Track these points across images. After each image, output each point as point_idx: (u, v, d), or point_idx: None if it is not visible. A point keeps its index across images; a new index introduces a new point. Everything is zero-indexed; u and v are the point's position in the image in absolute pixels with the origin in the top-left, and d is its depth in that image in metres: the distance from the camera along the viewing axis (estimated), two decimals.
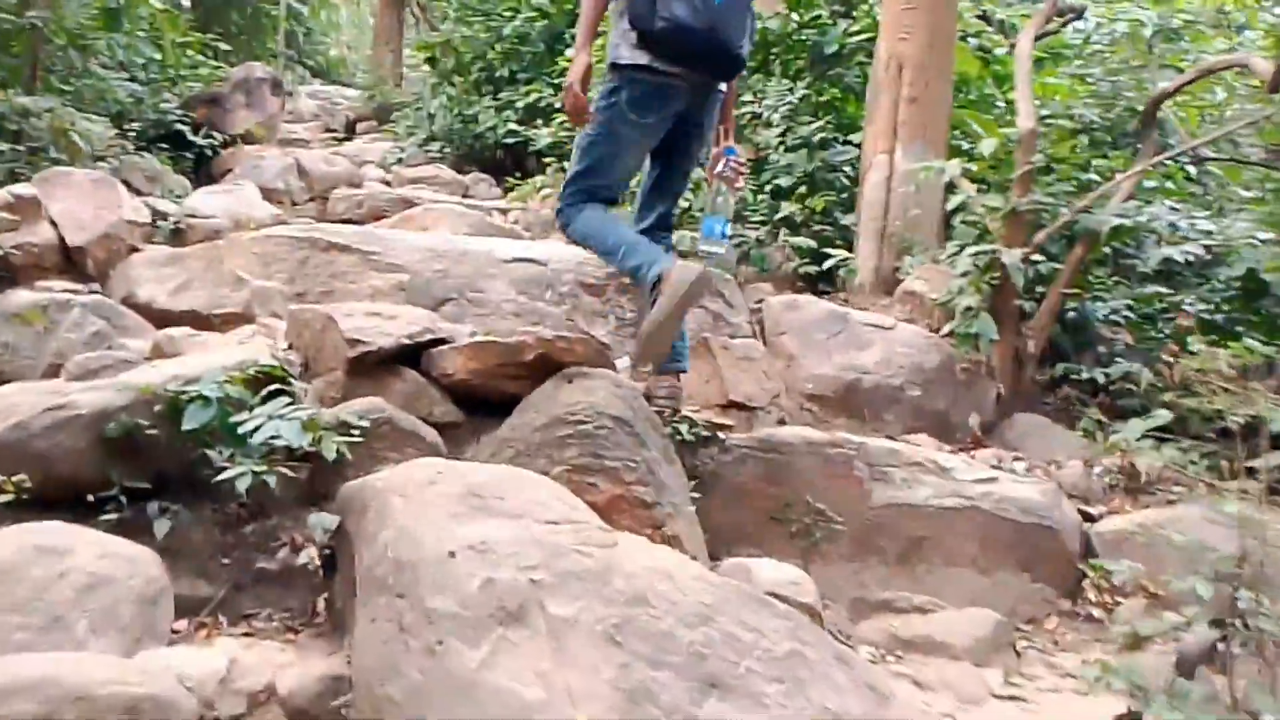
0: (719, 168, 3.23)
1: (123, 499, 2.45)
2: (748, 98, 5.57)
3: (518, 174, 7.90)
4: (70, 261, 4.55)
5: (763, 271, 5.11)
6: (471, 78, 9.10)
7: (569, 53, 6.19)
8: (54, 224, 4.58)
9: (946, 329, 4.07)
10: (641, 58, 3.01)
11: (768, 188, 5.23)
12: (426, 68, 15.42)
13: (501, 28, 8.74)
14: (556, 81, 6.98)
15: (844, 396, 3.96)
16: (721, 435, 3.31)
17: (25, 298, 3.71)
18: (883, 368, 4.02)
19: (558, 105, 6.94)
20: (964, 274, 4.06)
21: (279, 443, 2.39)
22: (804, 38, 5.86)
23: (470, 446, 3.08)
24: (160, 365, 2.87)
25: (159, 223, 4.96)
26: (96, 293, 4.41)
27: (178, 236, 5.03)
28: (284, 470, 2.40)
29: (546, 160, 7.63)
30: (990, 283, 4.06)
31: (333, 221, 5.85)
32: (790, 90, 5.23)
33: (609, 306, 4.09)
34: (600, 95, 3.15)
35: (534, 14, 8.58)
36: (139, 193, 5.99)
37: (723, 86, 3.20)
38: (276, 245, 4.24)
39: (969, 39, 5.98)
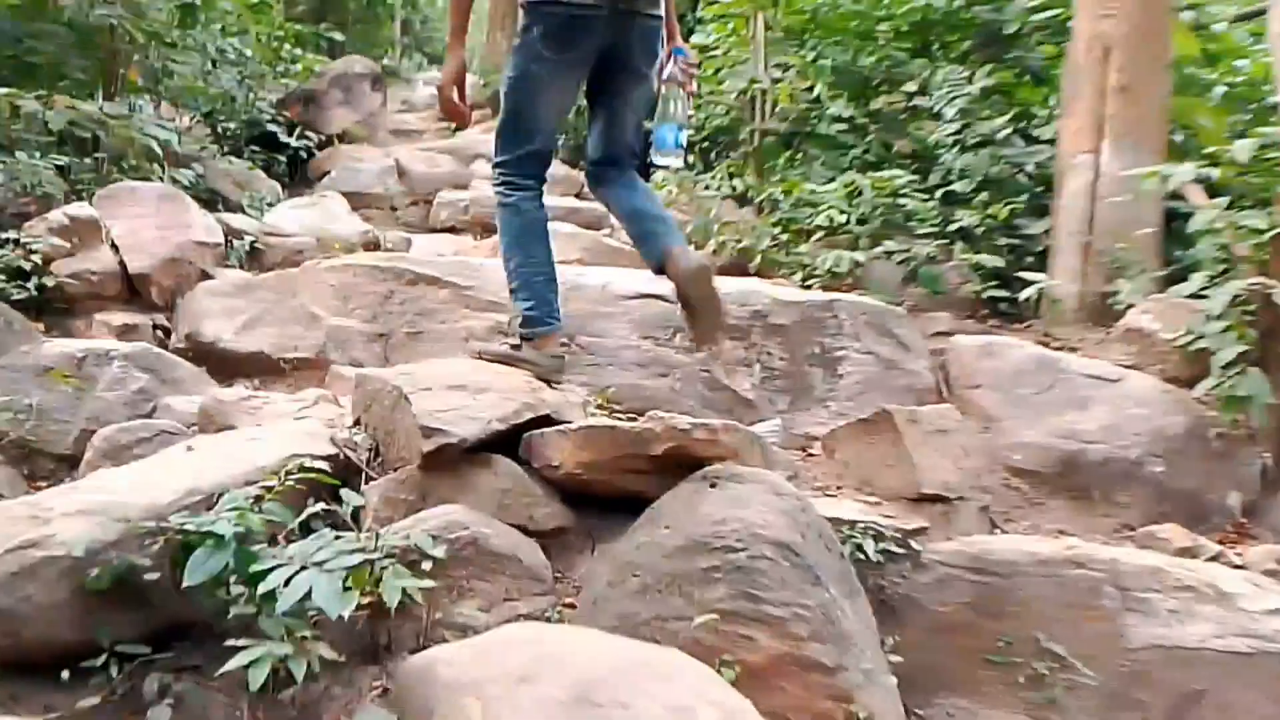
0: (667, 70, 2.89)
1: (113, 668, 1.79)
2: (910, 86, 4.67)
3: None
4: (133, 290, 4.01)
5: (935, 294, 4.23)
6: None
7: (694, 38, 5.40)
8: (115, 247, 4.05)
9: (1202, 388, 3.13)
10: None
11: (938, 193, 4.33)
12: None
13: None
14: None
15: (1062, 473, 3.08)
16: (915, 545, 2.48)
17: (58, 349, 3.13)
18: (1111, 435, 3.11)
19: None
20: (1219, 315, 3.11)
21: (314, 606, 1.68)
22: (972, 15, 4.90)
23: (582, 561, 2.36)
24: (178, 466, 2.21)
25: (234, 242, 4.39)
26: (160, 326, 3.88)
27: (254, 258, 4.46)
28: (319, 651, 1.69)
29: None
30: (1253, 325, 3.10)
31: (435, 230, 5.22)
32: (968, 79, 4.31)
33: (754, 353, 3.31)
34: (516, 36, 2.81)
35: None
36: (225, 200, 5.50)
37: (658, 10, 2.78)
38: (356, 276, 3.60)
39: (1183, 13, 4.92)
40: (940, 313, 4.11)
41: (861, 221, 4.17)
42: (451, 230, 5.67)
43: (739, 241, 4.42)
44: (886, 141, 4.69)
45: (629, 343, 3.28)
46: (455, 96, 2.82)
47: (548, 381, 2.72)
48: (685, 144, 2.97)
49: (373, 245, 4.57)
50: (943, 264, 4.30)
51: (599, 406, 2.89)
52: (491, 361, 2.76)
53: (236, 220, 4.50)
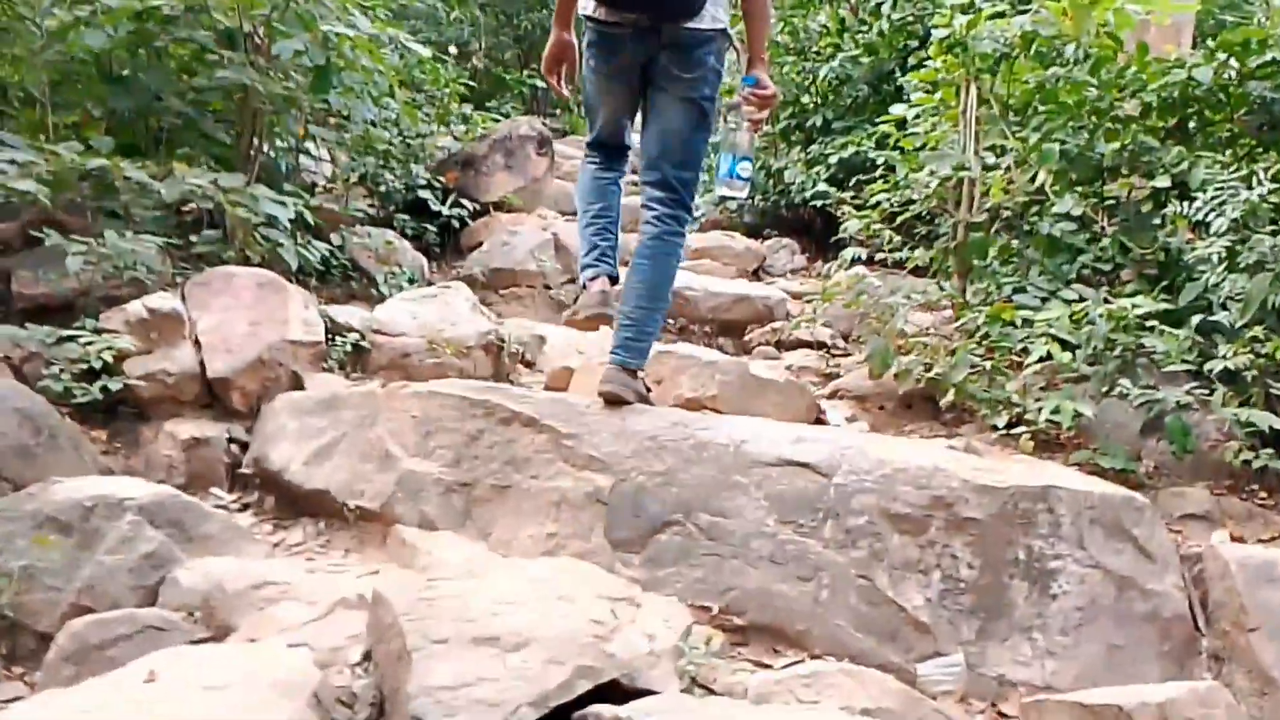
0: (733, 98, 3.08)
1: None
2: (1160, 181, 3.67)
3: (831, 240, 6.36)
4: (214, 394, 3.57)
5: (1184, 453, 3.23)
6: (779, 126, 7.69)
7: (895, 108, 4.61)
8: (199, 344, 3.61)
9: None
10: (589, 7, 2.88)
11: (1193, 319, 3.33)
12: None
13: (818, 68, 7.23)
14: (878, 132, 5.43)
15: None
16: None
17: (65, 494, 2.59)
18: None
19: (879, 161, 5.34)
20: None
21: None
22: (1244, 91, 3.85)
23: None
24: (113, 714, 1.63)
25: (336, 339, 3.91)
26: (237, 441, 3.42)
27: (359, 359, 3.97)
28: None
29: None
30: None
31: (577, 324, 4.58)
32: (1247, 179, 3.29)
33: (932, 554, 2.47)
34: None
35: (858, 51, 7.00)
36: (362, 276, 5.12)
37: (700, 24, 2.81)
38: (443, 407, 3.02)
39: None
40: (1190, 487, 3.12)
41: (1092, 359, 3.23)
42: (603, 320, 5.04)
43: (928, 368, 3.57)
44: (1126, 245, 3.72)
45: (763, 528, 2.52)
46: (554, 75, 3.03)
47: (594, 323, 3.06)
48: (749, 176, 3.02)
49: (495, 348, 4.02)
50: (1196, 414, 3.29)
51: (706, 643, 2.15)
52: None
53: (343, 313, 4.03)
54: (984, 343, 3.62)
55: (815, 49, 7.46)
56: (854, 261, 6.60)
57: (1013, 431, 3.28)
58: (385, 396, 3.15)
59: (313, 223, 4.66)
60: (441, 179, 5.98)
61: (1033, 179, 3.78)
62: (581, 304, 3.05)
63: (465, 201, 5.92)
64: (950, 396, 3.45)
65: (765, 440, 2.67)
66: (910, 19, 6.58)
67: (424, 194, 5.85)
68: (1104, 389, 3.23)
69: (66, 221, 3.93)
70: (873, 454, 2.59)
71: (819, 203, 6.83)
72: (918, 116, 4.21)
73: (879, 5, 6.63)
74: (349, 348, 3.87)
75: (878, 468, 2.53)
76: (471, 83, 8.56)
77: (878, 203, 4.54)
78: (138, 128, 4.57)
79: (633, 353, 2.95)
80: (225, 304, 3.69)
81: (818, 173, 6.91)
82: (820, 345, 5.06)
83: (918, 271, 4.77)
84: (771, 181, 7.65)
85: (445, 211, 5.81)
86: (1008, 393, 3.34)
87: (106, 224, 3.86)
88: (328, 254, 4.85)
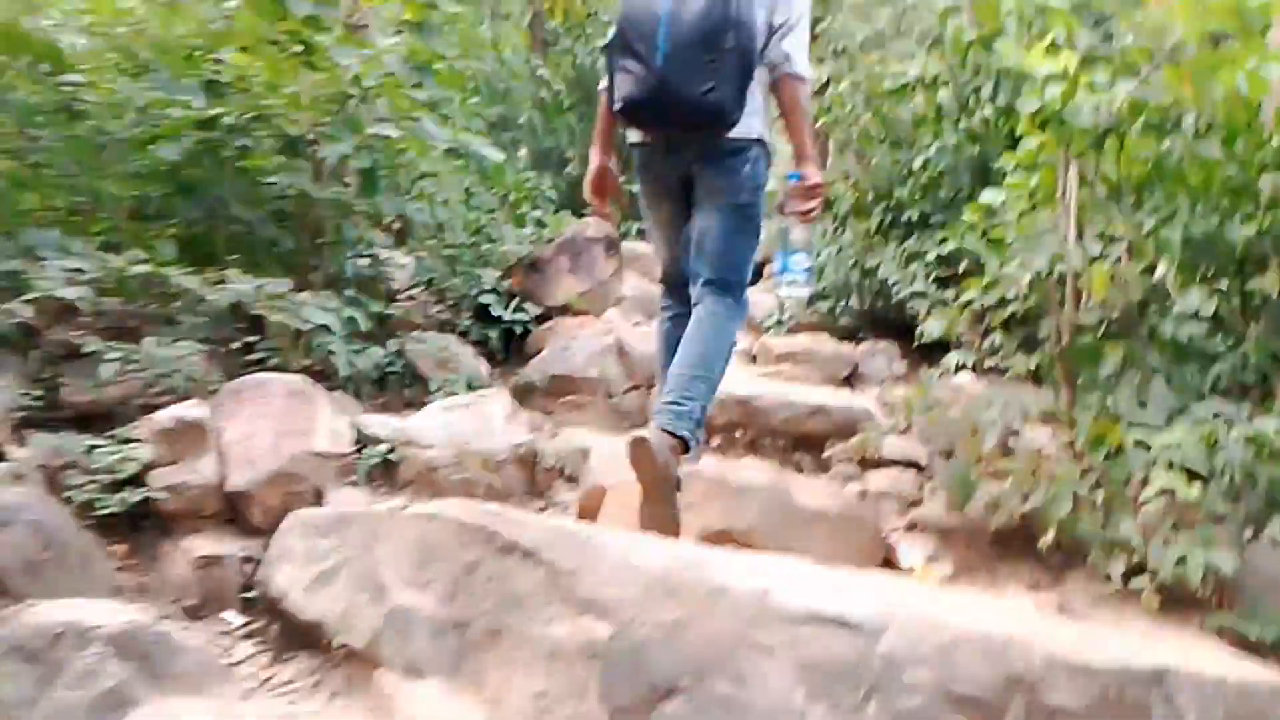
0: (780, 197, 3.13)
1: None
2: None
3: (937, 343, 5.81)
4: (235, 508, 3.32)
5: None
6: (874, 219, 7.24)
7: (985, 194, 4.11)
8: (223, 455, 3.39)
9: None
10: (634, 134, 3.12)
11: None
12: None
13: (914, 159, 6.79)
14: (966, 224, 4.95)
15: None
16: None
17: (36, 620, 2.34)
18: None
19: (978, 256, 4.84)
20: None
21: None
22: None
23: None
24: None
25: (365, 450, 3.60)
26: (251, 559, 3.12)
27: (388, 472, 3.64)
28: None
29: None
30: None
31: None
32: None
33: None
34: None
35: (959, 139, 6.54)
36: (421, 380, 4.85)
37: (738, 133, 2.95)
38: (441, 531, 2.62)
39: None
40: None
41: (1231, 495, 2.62)
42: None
43: (1024, 498, 2.99)
44: (1275, 352, 3.11)
45: (789, 703, 1.99)
46: (600, 200, 3.29)
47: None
48: (807, 267, 3.19)
49: (529, 462, 3.64)
50: None
51: None
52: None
53: (375, 423, 3.71)
54: (1093, 469, 3.03)
55: (910, 139, 7.03)
56: (959, 369, 6.03)
57: (1132, 584, 2.66)
58: (387, 517, 2.78)
59: (371, 329, 4.48)
60: (508, 283, 5.72)
61: (1149, 271, 3.22)
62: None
63: (528, 306, 5.63)
64: (1051, 534, 2.86)
65: (797, 588, 2.15)
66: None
67: (487, 298, 5.59)
68: (1249, 534, 2.60)
69: (124, 329, 3.88)
70: (931, 613, 2.05)
71: (919, 303, 6.31)
72: (1005, 202, 3.70)
73: (979, 89, 6.18)
74: (378, 460, 3.55)
75: (937, 632, 1.98)
76: (550, 190, 8.40)
77: (969, 301, 4.01)
78: (208, 235, 4.53)
79: (672, 416, 2.83)
80: (253, 413, 3.46)
81: (914, 270, 6.40)
82: (912, 465, 4.49)
83: (1035, 380, 4.20)
84: (868, 280, 7.18)
85: (506, 317, 5.52)
86: (1125, 534, 2.74)
87: (156, 331, 3.80)
88: (385, 360, 4.62)
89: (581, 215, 14.11)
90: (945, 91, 6.60)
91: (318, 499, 3.37)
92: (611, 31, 2.96)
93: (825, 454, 4.67)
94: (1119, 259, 3.38)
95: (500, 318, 5.56)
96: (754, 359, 6.51)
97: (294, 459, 3.36)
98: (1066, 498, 2.85)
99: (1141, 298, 3.34)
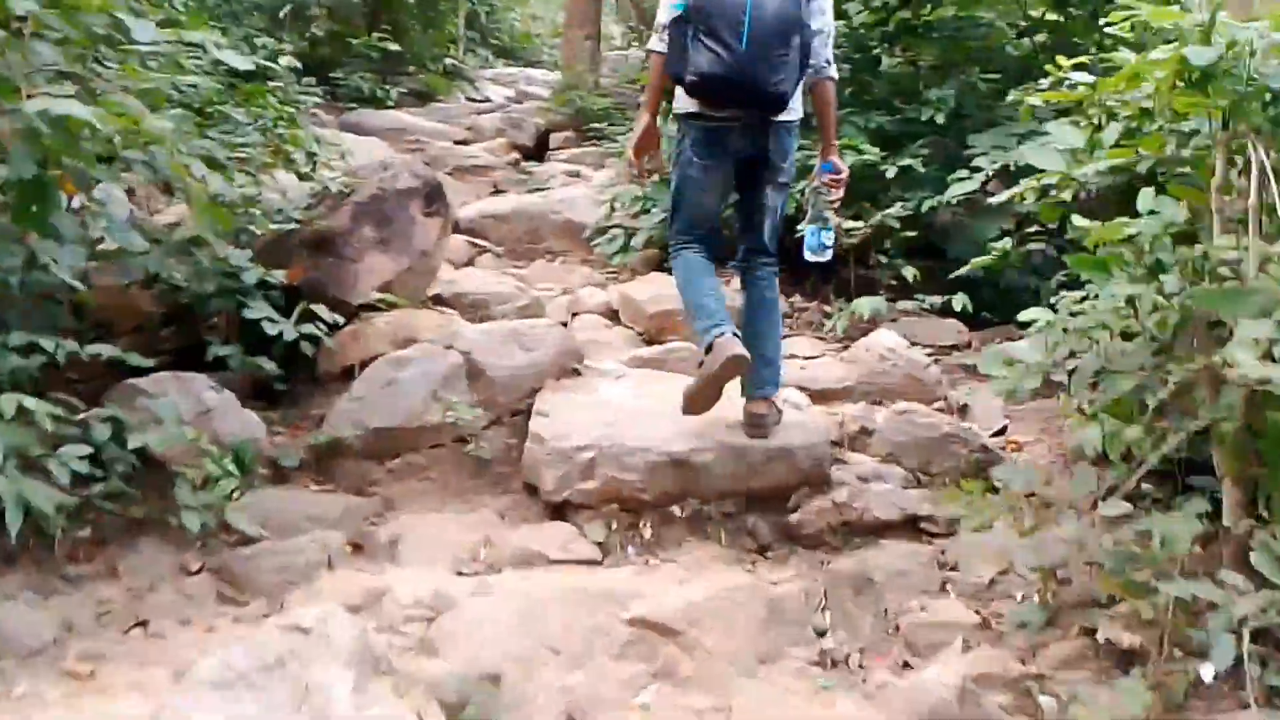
0: (814, 183, 3.70)
1: None
2: None
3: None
4: None
5: None
6: None
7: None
8: None
9: None
10: (692, 105, 3.45)
11: None
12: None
13: None
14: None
15: None
16: None
17: None
18: None
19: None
20: None
21: None
22: None
23: None
24: None
25: None
26: None
27: None
28: None
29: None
30: None
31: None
32: None
33: None
34: (675, 144, 3.63)
35: None
36: (161, 487, 3.24)
37: (790, 116, 3.49)
38: None
39: None
40: None
41: None
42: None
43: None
44: None
45: None
46: (640, 159, 3.71)
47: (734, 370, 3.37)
48: (830, 243, 3.75)
49: None
50: None
51: None
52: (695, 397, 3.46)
53: None
54: None
55: None
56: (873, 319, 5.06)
57: None
58: None
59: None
60: (279, 274, 4.02)
61: None
62: (719, 354, 3.31)
63: (320, 307, 3.98)
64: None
65: None
66: None
67: (254, 305, 3.90)
68: None
69: None
70: None
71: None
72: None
73: None
74: None
75: None
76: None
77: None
78: None
79: (776, 384, 3.67)
80: None
81: None
82: (922, 528, 3.44)
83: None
84: None
85: (287, 334, 3.87)
86: None
87: None
88: (84, 469, 2.95)
89: (332, 81, 11.70)
90: None
91: None
92: (683, 6, 3.30)
93: (793, 515, 3.50)
94: None
95: (280, 335, 3.89)
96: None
97: None
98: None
99: None
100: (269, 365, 3.94)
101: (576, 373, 4.26)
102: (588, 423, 3.66)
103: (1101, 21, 5.94)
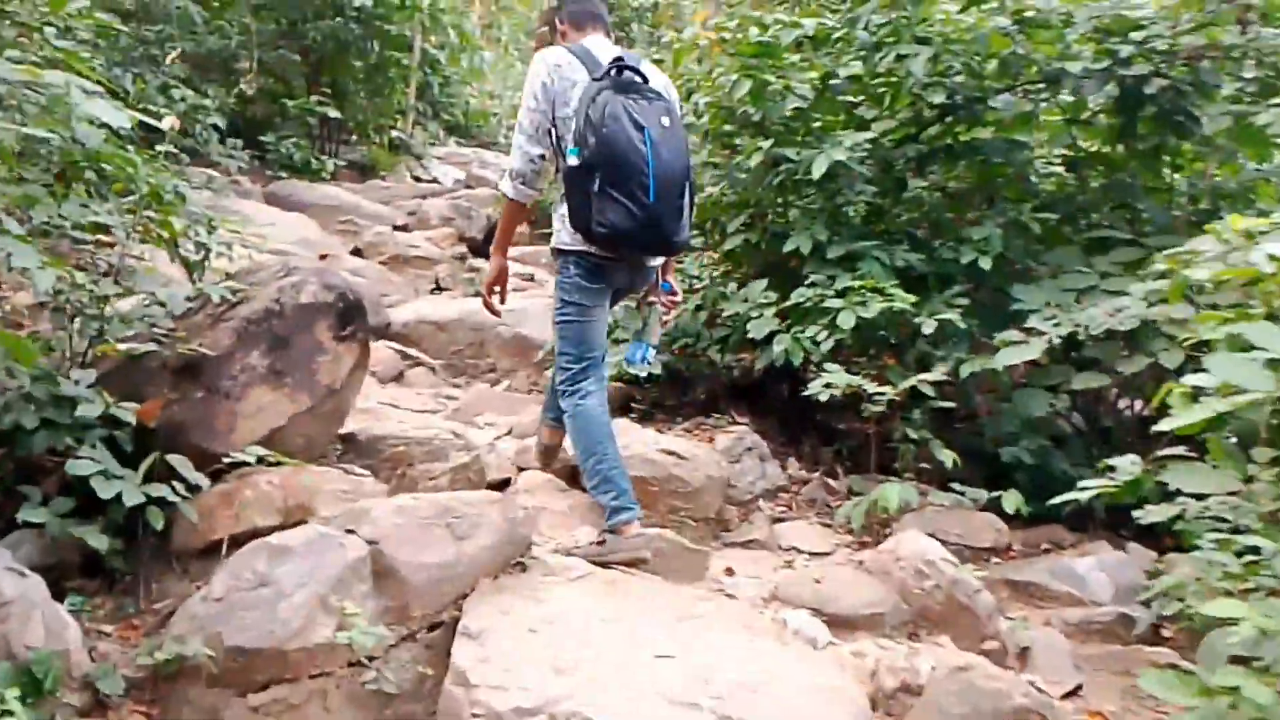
0: (651, 297, 3.89)
1: None
2: None
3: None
4: None
5: None
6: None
7: None
8: None
9: None
10: (581, 245, 3.49)
11: None
12: None
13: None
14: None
15: None
16: None
17: None
18: None
19: None
20: None
21: None
22: None
23: None
24: None
25: None
26: None
27: None
28: None
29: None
30: None
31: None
32: None
33: None
34: (559, 274, 3.63)
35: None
36: None
37: (656, 263, 3.78)
38: None
39: None
40: None
41: None
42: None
43: None
44: None
45: None
46: (494, 298, 3.87)
47: (635, 563, 3.37)
48: (653, 359, 3.96)
49: None
50: None
51: None
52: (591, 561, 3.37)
53: None
54: None
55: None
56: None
57: None
58: None
59: None
60: (126, 411, 2.99)
61: None
62: (629, 545, 3.42)
63: (177, 458, 2.95)
64: None
65: None
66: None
67: (83, 455, 2.87)
68: None
69: None
70: None
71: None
72: None
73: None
74: None
75: None
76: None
77: None
78: None
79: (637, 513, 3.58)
80: None
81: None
82: None
83: None
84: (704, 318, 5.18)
85: (128, 495, 2.83)
86: None
87: None
88: None
89: (261, 144, 10.59)
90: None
91: None
92: (582, 155, 3.32)
93: None
94: None
95: (118, 497, 2.85)
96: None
97: None
98: None
99: None
100: (98, 541, 2.88)
101: (522, 565, 3.28)
102: (535, 666, 2.65)
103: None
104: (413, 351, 6.80)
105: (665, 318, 3.96)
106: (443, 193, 12.70)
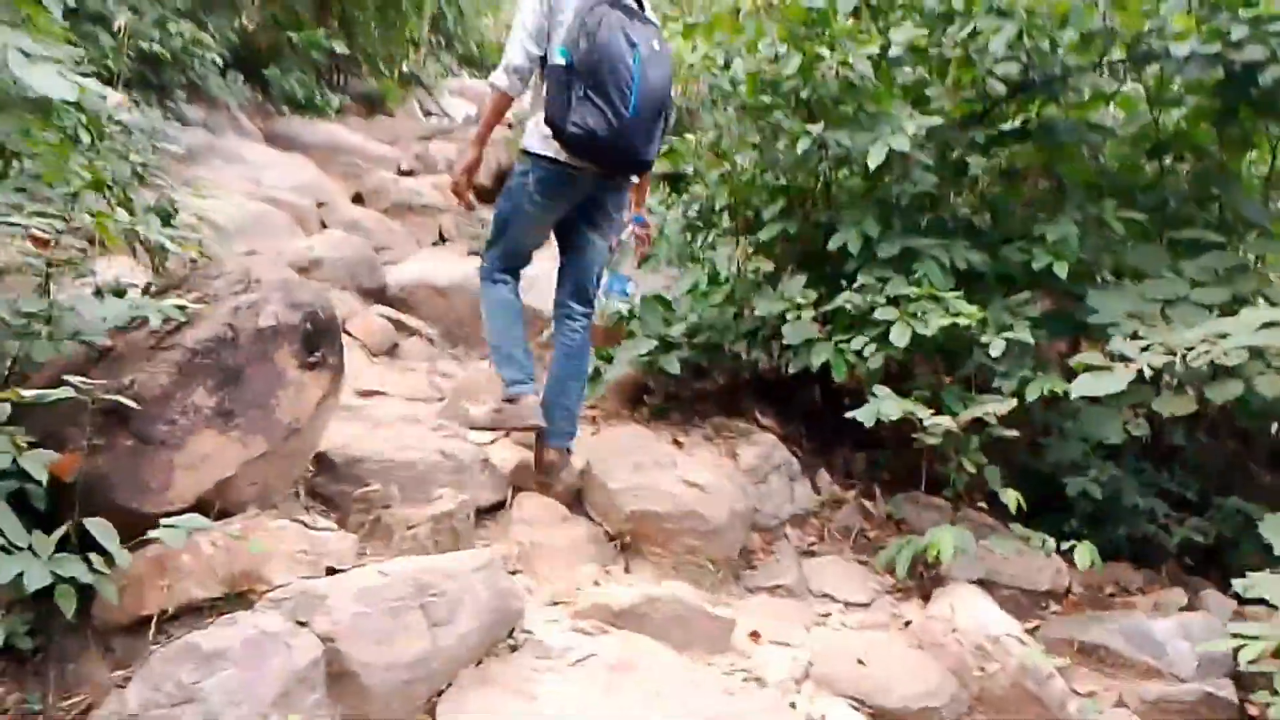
0: (625, 232, 3.95)
1: None
2: None
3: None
4: None
5: None
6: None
7: None
8: None
9: None
10: (549, 149, 3.52)
11: None
12: None
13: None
14: None
15: None
16: None
17: None
18: None
19: None
20: None
21: None
22: None
23: None
24: None
25: None
26: None
27: None
28: None
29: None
30: None
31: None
32: None
33: None
34: (513, 174, 3.71)
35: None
36: None
37: (628, 181, 3.79)
38: None
39: None
40: None
41: None
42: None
43: None
44: None
45: None
46: (463, 188, 3.86)
47: (529, 429, 3.72)
48: (631, 291, 4.43)
49: None
50: None
51: None
52: (482, 430, 3.85)
53: None
54: None
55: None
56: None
57: None
58: None
59: None
60: (42, 459, 2.49)
61: None
62: (521, 413, 3.67)
63: (102, 532, 2.45)
64: None
65: None
66: None
67: None
68: None
69: None
70: None
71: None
72: None
73: None
74: None
75: None
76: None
77: None
78: None
79: (573, 434, 3.86)
80: None
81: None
82: None
83: None
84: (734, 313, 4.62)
85: (30, 577, 2.34)
86: None
87: None
88: None
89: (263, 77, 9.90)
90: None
91: None
92: (570, 58, 3.36)
93: None
94: None
95: (18, 580, 2.36)
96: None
97: None
98: None
99: None
100: (13, 628, 2.41)
101: (511, 646, 2.80)
102: None
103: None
104: (409, 321, 6.31)
105: (646, 248, 4.19)
106: (452, 130, 12.08)
